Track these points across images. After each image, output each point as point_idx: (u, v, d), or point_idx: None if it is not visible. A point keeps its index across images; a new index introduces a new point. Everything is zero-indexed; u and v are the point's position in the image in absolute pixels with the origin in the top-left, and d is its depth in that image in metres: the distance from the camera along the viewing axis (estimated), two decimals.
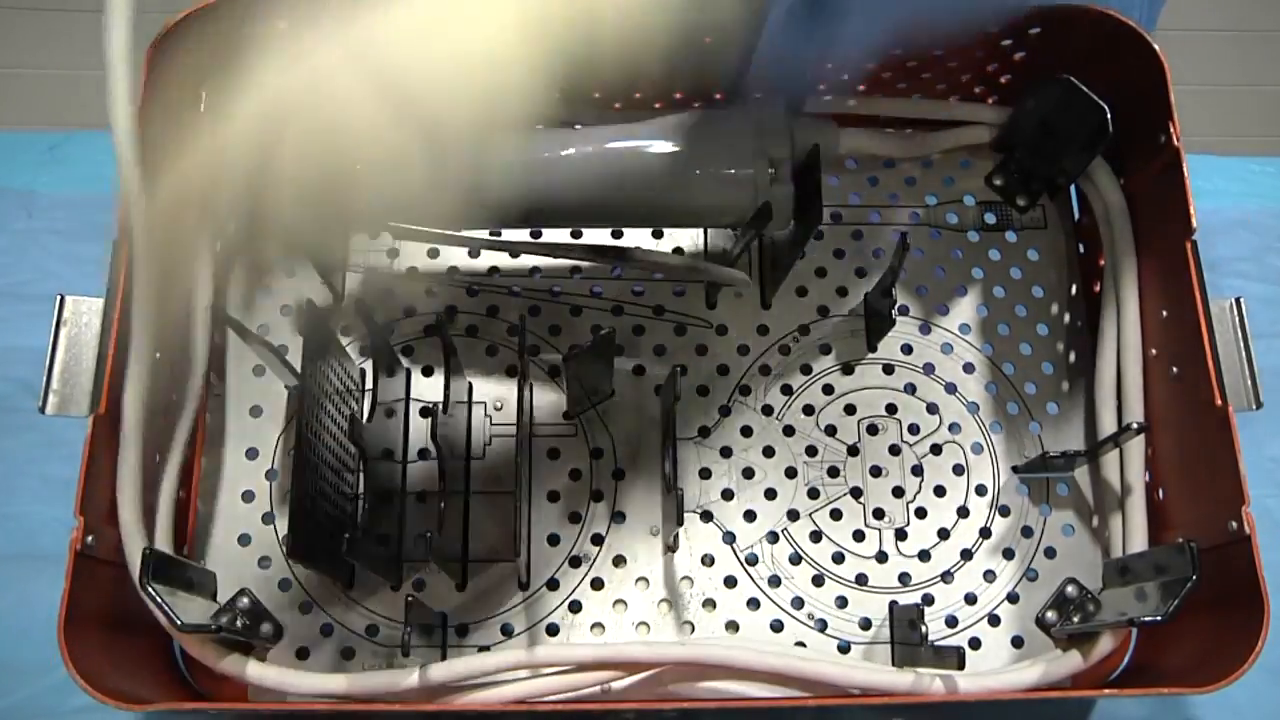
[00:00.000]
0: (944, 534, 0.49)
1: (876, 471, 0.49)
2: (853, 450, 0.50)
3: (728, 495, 0.49)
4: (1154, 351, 0.48)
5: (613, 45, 0.36)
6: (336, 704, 0.42)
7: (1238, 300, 0.45)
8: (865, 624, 0.47)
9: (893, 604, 0.47)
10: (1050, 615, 0.47)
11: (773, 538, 0.48)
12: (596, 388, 0.48)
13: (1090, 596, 0.46)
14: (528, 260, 0.52)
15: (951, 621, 0.47)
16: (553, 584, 0.47)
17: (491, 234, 0.51)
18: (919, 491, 0.49)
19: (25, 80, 1.24)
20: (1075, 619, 0.46)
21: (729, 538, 0.48)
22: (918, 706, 0.45)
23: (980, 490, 0.49)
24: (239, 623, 0.43)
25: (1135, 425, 0.44)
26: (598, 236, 0.52)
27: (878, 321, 0.50)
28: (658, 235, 0.53)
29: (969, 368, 0.51)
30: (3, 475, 0.51)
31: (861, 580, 0.48)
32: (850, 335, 0.51)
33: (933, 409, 0.50)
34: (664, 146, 0.44)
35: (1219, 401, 0.43)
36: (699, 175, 0.44)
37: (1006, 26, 0.48)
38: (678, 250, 0.52)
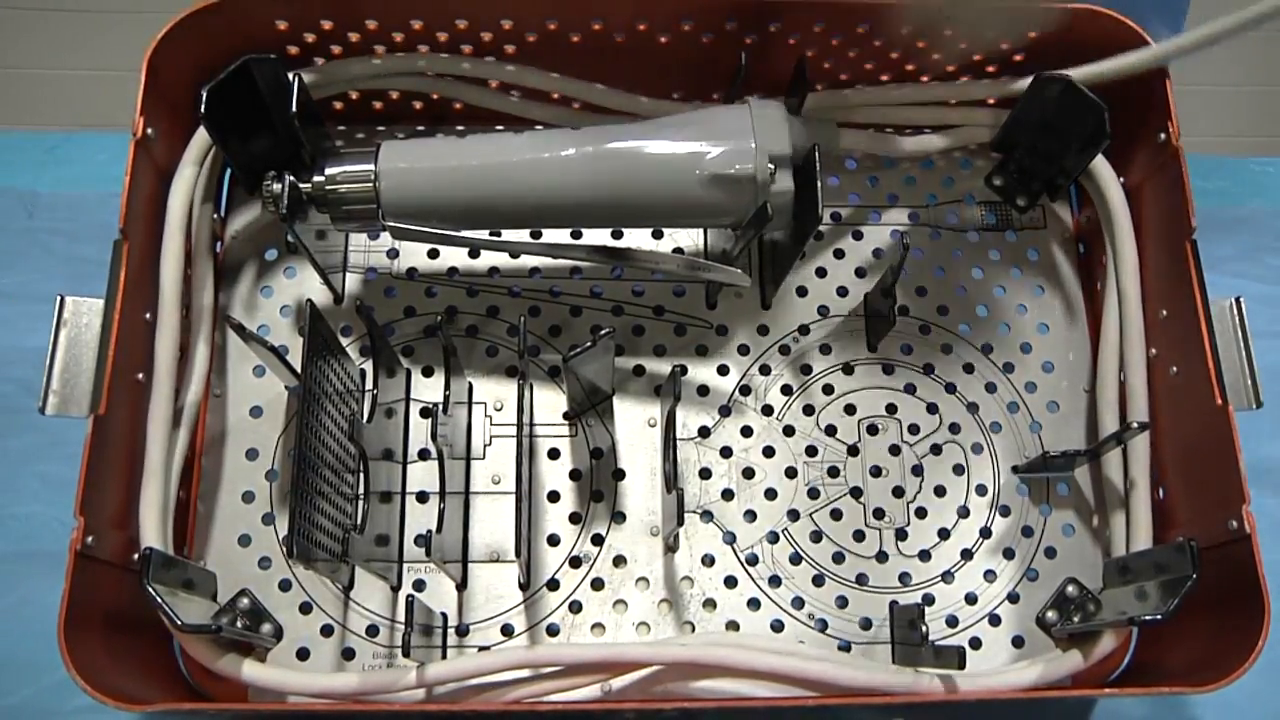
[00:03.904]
0: (944, 534, 0.49)
1: (876, 471, 0.49)
2: (853, 450, 0.50)
3: (728, 495, 0.49)
4: (1154, 351, 0.48)
5: None
6: (336, 704, 0.42)
7: (1238, 300, 0.45)
8: (865, 624, 0.47)
9: (893, 604, 0.47)
10: (1051, 615, 0.47)
11: (773, 538, 0.48)
12: (596, 388, 0.48)
13: (1090, 596, 0.46)
14: (528, 260, 0.52)
15: (952, 621, 0.47)
16: (553, 584, 0.47)
17: (491, 234, 0.51)
18: (919, 491, 0.49)
19: (25, 80, 1.24)
20: (1075, 619, 0.46)
21: (729, 538, 0.48)
22: (918, 706, 0.45)
23: (980, 490, 0.49)
24: (239, 623, 0.43)
25: (1137, 424, 0.44)
26: (598, 236, 0.52)
27: (878, 321, 0.50)
28: (658, 235, 0.53)
29: (969, 368, 0.51)
30: (3, 475, 0.51)
31: (862, 580, 0.48)
32: (850, 335, 0.51)
33: (933, 409, 0.50)
34: (664, 146, 0.44)
35: (1219, 401, 0.43)
36: (699, 175, 0.44)
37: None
38: (678, 250, 0.52)
